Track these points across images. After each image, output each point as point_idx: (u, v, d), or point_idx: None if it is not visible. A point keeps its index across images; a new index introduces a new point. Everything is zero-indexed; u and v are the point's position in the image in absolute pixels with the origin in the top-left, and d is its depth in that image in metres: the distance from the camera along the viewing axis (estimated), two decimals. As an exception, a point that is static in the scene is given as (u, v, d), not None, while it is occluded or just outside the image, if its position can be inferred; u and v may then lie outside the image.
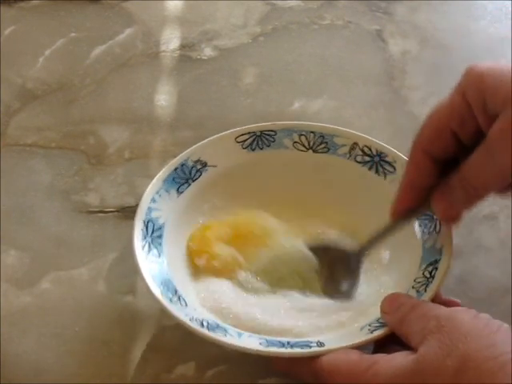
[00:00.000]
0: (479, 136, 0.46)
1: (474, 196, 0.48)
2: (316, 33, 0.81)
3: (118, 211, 0.65)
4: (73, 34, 0.81)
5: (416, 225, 0.54)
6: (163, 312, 0.52)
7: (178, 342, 0.55)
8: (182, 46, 0.80)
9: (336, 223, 0.59)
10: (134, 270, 0.60)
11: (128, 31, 0.81)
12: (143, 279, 0.52)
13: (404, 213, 0.52)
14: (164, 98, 0.74)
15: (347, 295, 0.54)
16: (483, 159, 0.45)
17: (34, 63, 0.77)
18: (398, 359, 0.44)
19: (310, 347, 0.48)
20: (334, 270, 0.55)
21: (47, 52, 0.79)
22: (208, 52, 0.79)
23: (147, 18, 0.83)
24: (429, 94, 0.75)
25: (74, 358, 0.55)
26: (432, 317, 0.44)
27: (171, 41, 0.80)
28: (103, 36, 0.81)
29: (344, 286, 0.54)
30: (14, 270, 0.61)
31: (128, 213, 0.64)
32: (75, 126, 0.72)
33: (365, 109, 0.73)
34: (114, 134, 0.71)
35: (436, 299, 0.50)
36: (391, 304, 0.48)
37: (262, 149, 0.61)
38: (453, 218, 0.51)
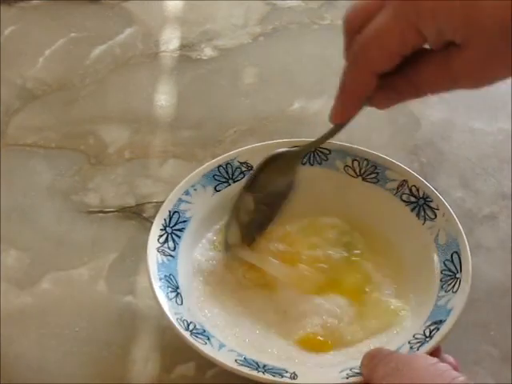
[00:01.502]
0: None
1: (416, 94, 0.50)
2: (316, 33, 0.81)
3: (117, 211, 0.65)
4: (73, 34, 0.81)
5: (437, 280, 0.53)
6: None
7: (178, 341, 0.55)
8: (182, 46, 0.80)
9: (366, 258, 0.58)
10: (134, 270, 0.60)
11: (128, 31, 0.81)
12: (147, 269, 0.52)
13: (346, 119, 0.53)
14: (164, 98, 0.74)
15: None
16: (438, 68, 0.47)
17: (34, 63, 0.77)
18: None
19: (282, 377, 0.48)
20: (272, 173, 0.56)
21: (47, 52, 0.79)
22: (208, 52, 0.79)
23: (147, 18, 0.83)
24: (429, 94, 0.75)
25: (74, 357, 0.55)
26: (392, 360, 0.45)
27: (171, 41, 0.80)
28: (103, 36, 0.81)
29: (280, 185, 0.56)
30: (14, 270, 0.61)
31: (128, 213, 0.64)
32: (75, 126, 0.72)
33: (365, 109, 0.73)
34: (113, 134, 0.71)
35: (434, 354, 0.49)
36: (371, 358, 0.48)
37: (312, 165, 0.59)
38: (387, 108, 0.53)
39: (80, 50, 0.79)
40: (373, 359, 0.47)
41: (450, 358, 0.49)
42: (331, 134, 0.54)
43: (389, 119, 0.72)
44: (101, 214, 0.65)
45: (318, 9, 0.84)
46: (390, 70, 0.48)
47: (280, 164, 0.56)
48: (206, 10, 0.84)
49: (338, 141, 0.60)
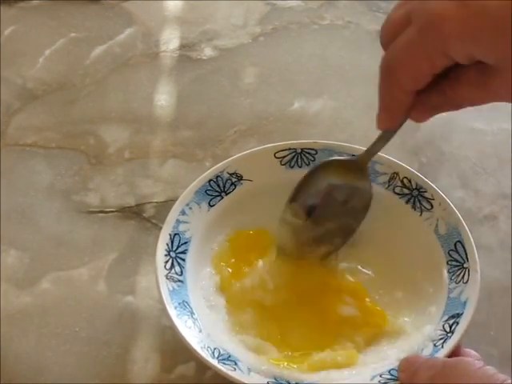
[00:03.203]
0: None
1: (454, 107, 0.49)
2: (316, 33, 0.81)
3: (117, 211, 0.65)
4: (73, 34, 0.81)
5: (445, 272, 0.53)
6: (163, 312, 0.52)
7: (178, 342, 0.55)
8: (182, 46, 0.80)
9: (363, 253, 0.58)
10: (134, 270, 0.60)
11: (128, 31, 0.81)
12: (162, 300, 0.51)
13: (392, 128, 0.52)
14: (164, 98, 0.74)
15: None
16: (475, 84, 0.46)
17: (34, 63, 0.77)
18: None
19: None
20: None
21: (47, 52, 0.79)
22: (208, 52, 0.79)
23: (147, 17, 0.83)
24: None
25: (74, 358, 0.55)
26: (436, 364, 0.46)
27: (171, 41, 0.80)
28: (103, 36, 0.80)
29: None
30: (14, 270, 0.61)
31: (128, 213, 0.64)
32: (75, 126, 0.72)
33: (365, 109, 0.73)
34: (113, 133, 0.71)
35: (457, 351, 0.49)
36: (408, 363, 0.48)
37: (300, 167, 0.59)
38: (425, 120, 0.51)
39: (80, 50, 0.79)
40: (413, 364, 0.47)
41: (473, 352, 0.49)
42: (382, 139, 0.53)
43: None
44: (101, 214, 0.65)
45: (317, 9, 0.84)
46: (422, 88, 0.47)
47: (332, 174, 0.55)
48: (205, 10, 0.84)
49: (335, 140, 0.60)
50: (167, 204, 0.63)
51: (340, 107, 0.74)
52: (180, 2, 0.85)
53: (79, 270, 0.61)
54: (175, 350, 0.55)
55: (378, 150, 0.54)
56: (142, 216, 0.64)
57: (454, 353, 0.49)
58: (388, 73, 0.48)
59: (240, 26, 0.82)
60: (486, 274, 0.59)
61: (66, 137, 0.71)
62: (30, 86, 0.75)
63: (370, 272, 0.57)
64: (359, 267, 0.57)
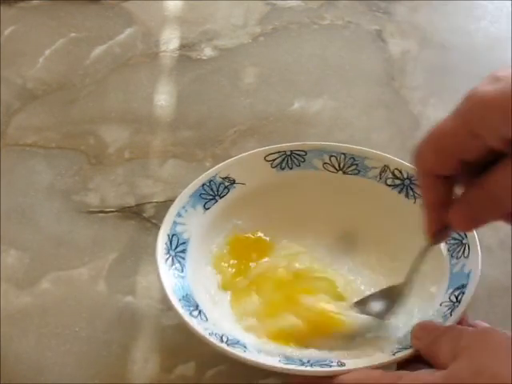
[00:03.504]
0: (487, 154, 0.44)
1: (497, 208, 0.45)
2: (316, 33, 0.81)
3: (118, 211, 0.65)
4: (73, 34, 0.81)
5: (445, 250, 0.54)
6: (163, 312, 0.52)
7: (178, 342, 0.55)
8: (182, 46, 0.80)
9: (364, 247, 0.58)
10: (134, 270, 0.60)
11: (128, 31, 0.81)
12: (165, 293, 0.51)
13: (437, 233, 0.50)
14: (164, 98, 0.74)
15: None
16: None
17: (34, 63, 0.77)
18: (424, 376, 0.44)
19: (331, 366, 0.48)
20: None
21: (47, 52, 0.79)
22: (208, 52, 0.79)
23: (147, 17, 0.83)
24: (429, 94, 0.75)
25: (74, 357, 0.55)
26: (464, 336, 0.45)
27: (171, 41, 0.80)
28: (103, 36, 0.81)
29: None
30: (14, 270, 0.61)
31: (128, 213, 0.64)
32: (75, 126, 0.72)
33: (365, 109, 0.73)
34: (113, 133, 0.71)
35: (463, 323, 0.49)
36: (423, 330, 0.48)
37: (291, 168, 0.60)
38: (472, 229, 0.50)
39: (80, 50, 0.79)
40: (431, 332, 0.47)
41: (482, 323, 0.49)
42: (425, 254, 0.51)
43: (389, 119, 0.72)
44: (101, 214, 0.65)
45: (317, 9, 0.84)
46: (450, 173, 0.45)
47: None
48: (205, 10, 0.84)
49: (336, 141, 0.61)
50: (167, 204, 0.63)
51: (340, 107, 0.74)
52: (180, 1, 0.85)
53: (79, 269, 0.61)
54: (175, 350, 0.55)
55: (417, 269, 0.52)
56: (141, 216, 0.64)
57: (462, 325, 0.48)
58: (415, 156, 0.47)
59: (240, 25, 0.82)
60: (486, 273, 0.59)
61: (65, 137, 0.71)
62: (30, 86, 0.75)
63: (369, 270, 0.57)
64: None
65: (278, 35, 0.81)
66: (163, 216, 0.56)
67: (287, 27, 0.82)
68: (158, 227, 0.56)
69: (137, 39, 0.80)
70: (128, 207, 0.65)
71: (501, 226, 0.64)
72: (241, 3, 0.84)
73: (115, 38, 0.80)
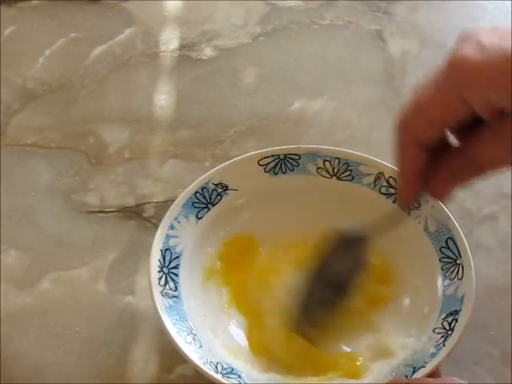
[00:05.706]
0: (473, 121, 0.44)
1: (476, 173, 0.46)
2: (316, 33, 0.81)
3: (118, 211, 0.65)
4: (73, 34, 0.81)
5: (439, 270, 0.53)
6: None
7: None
8: (182, 46, 0.80)
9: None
10: (134, 270, 0.60)
11: (128, 31, 0.81)
12: (159, 317, 0.50)
13: (411, 199, 0.50)
14: (164, 98, 0.74)
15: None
16: (495, 142, 0.44)
17: (34, 63, 0.77)
18: None
19: None
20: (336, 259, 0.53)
21: (47, 52, 0.79)
22: (208, 52, 0.79)
23: (147, 18, 0.83)
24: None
25: (74, 357, 0.55)
26: None
27: (171, 41, 0.80)
28: (103, 36, 0.80)
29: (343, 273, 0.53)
30: (14, 270, 0.61)
31: (128, 213, 0.64)
32: (75, 126, 0.72)
33: (365, 109, 0.73)
34: (113, 133, 0.71)
35: (434, 375, 0.48)
36: None
37: (285, 173, 0.59)
38: (447, 195, 0.49)
39: (80, 50, 0.79)
40: None
41: (456, 380, 0.47)
42: (393, 215, 0.52)
43: (389, 119, 0.72)
44: (101, 214, 0.65)
45: (317, 9, 0.84)
46: (434, 142, 0.45)
47: (341, 246, 0.53)
48: (205, 10, 0.84)
49: (336, 141, 0.60)
50: (167, 204, 0.63)
51: (340, 107, 0.74)
52: (180, 1, 0.85)
53: (79, 269, 0.61)
54: (175, 350, 0.55)
55: (386, 228, 0.52)
56: (141, 216, 0.64)
57: (436, 374, 0.48)
58: (398, 125, 0.46)
59: (240, 25, 0.82)
60: (486, 274, 0.59)
61: (65, 137, 0.71)
62: (30, 86, 0.75)
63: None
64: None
65: (278, 35, 0.81)
66: (163, 216, 0.56)
67: (287, 27, 0.82)
68: (157, 227, 0.56)
69: (137, 39, 0.80)
70: (128, 207, 0.65)
71: (501, 226, 0.64)
72: (241, 3, 0.84)
73: (115, 38, 0.80)
